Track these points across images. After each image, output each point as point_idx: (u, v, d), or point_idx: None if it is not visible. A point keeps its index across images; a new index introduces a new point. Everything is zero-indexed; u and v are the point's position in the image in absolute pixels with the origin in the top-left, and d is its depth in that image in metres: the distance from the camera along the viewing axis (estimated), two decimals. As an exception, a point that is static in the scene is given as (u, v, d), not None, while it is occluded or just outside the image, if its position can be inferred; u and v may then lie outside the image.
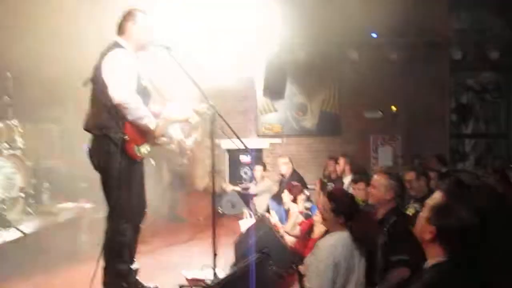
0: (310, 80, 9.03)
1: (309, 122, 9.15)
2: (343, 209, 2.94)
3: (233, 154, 8.56)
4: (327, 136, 9.12)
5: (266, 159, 8.55)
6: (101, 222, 3.28)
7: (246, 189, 7.17)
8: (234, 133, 3.56)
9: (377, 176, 3.34)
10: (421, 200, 3.95)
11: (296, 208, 4.89)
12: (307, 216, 4.81)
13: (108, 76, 3.02)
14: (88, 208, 5.23)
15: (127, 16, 3.21)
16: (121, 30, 3.20)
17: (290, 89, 9.01)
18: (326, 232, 3.11)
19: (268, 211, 5.71)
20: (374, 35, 8.69)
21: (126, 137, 3.03)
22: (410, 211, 3.86)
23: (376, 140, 9.24)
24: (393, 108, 9.22)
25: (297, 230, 4.51)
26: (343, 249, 2.79)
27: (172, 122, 3.65)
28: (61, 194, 6.04)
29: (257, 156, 8.37)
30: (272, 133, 9.01)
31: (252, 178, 7.58)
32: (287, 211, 5.13)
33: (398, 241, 2.93)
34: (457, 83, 9.62)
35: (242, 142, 3.63)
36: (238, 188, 7.20)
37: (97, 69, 3.08)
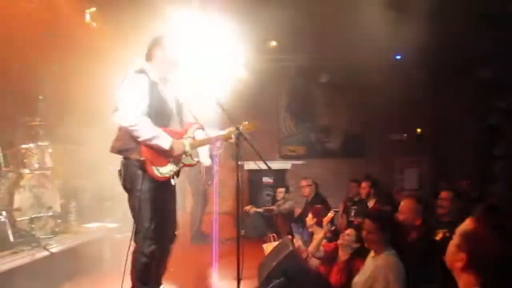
0: (333, 101, 9.03)
1: (333, 143, 9.10)
2: (389, 227, 2.92)
3: (255, 176, 8.54)
4: (350, 158, 9.04)
5: (289, 181, 8.51)
6: (126, 242, 3.30)
7: (269, 211, 7.11)
8: (259, 154, 3.56)
9: (404, 202, 3.32)
10: (449, 225, 3.85)
11: (320, 231, 4.82)
12: (331, 239, 4.74)
13: (118, 100, 3.11)
14: (113, 228, 5.27)
15: (155, 42, 3.32)
16: (148, 56, 3.31)
17: (313, 110, 9.01)
18: (356, 255, 3.08)
19: (291, 234, 5.65)
20: (398, 57, 8.67)
21: (143, 158, 3.07)
22: (438, 236, 3.76)
23: (401, 162, 9.11)
24: (418, 130, 9.11)
25: (321, 252, 4.44)
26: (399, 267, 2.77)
27: (198, 143, 3.68)
28: (87, 214, 6.15)
29: (280, 177, 8.33)
30: (295, 155, 8.99)
31: (275, 200, 7.53)
32: (310, 234, 5.06)
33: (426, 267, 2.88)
34: (485, 104, 9.43)
35: (266, 164, 3.63)
36: (260, 210, 7.15)
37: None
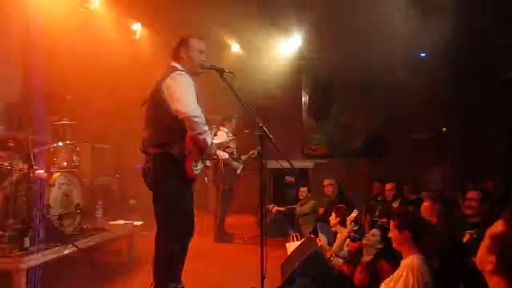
0: (356, 100, 8.96)
1: (355, 142, 9.03)
2: (414, 228, 2.90)
3: (278, 174, 8.56)
4: (373, 158, 8.96)
5: (311, 179, 8.50)
6: (151, 239, 3.36)
7: (292, 210, 7.11)
8: (282, 154, 3.58)
9: (425, 202, 3.31)
10: (477, 226, 3.79)
11: (344, 230, 4.81)
12: (355, 239, 4.72)
13: (173, 94, 3.12)
14: (138, 225, 5.37)
15: (182, 42, 3.38)
16: (176, 56, 3.37)
17: (335, 109, 8.97)
18: (380, 255, 3.06)
19: (314, 233, 5.65)
20: (423, 54, 8.54)
21: (187, 152, 3.14)
22: (465, 237, 3.71)
23: (424, 162, 8.97)
24: (443, 129, 8.95)
25: (344, 252, 4.43)
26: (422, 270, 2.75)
27: (219, 144, 3.75)
28: (112, 211, 6.29)
29: (302, 176, 8.32)
30: (317, 154, 8.96)
31: (297, 199, 7.52)
32: (334, 234, 5.05)
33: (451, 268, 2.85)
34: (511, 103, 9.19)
35: (290, 163, 3.65)
36: (283, 209, 7.16)
37: (157, 91, 3.20)
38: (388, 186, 5.93)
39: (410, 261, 2.85)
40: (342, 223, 4.90)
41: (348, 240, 4.64)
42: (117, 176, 6.93)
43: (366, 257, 3.74)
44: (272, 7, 7.05)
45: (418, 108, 8.43)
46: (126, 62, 7.00)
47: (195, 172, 3.25)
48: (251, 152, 6.64)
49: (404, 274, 2.78)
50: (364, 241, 3.90)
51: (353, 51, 7.95)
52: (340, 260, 4.43)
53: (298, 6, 7.14)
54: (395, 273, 2.90)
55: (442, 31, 6.84)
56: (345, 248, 4.46)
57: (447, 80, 8.45)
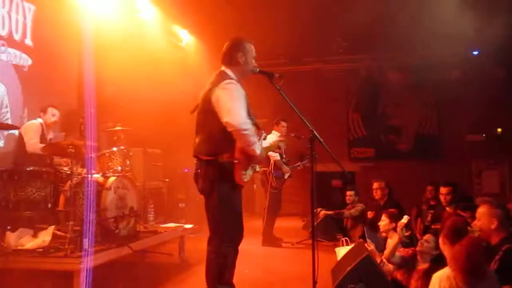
0: (404, 100, 8.73)
1: (404, 145, 8.79)
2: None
3: (324, 178, 8.46)
4: (423, 160, 8.68)
5: (358, 183, 8.34)
6: (202, 242, 3.41)
7: (339, 214, 7.01)
8: (334, 156, 3.54)
9: (480, 208, 3.18)
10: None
11: (395, 235, 4.68)
12: (407, 245, 4.58)
13: (223, 105, 3.12)
14: (188, 228, 5.48)
15: (237, 46, 3.34)
16: (229, 60, 3.33)
17: (383, 111, 8.77)
18: (436, 262, 2.95)
19: (363, 237, 5.54)
20: (476, 53, 8.20)
21: (236, 161, 3.15)
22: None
23: (479, 165, 8.59)
24: (498, 130, 8.54)
25: (397, 258, 4.31)
26: None
27: (266, 151, 3.74)
28: (162, 214, 6.46)
29: (349, 180, 8.18)
30: (364, 157, 8.80)
31: (343, 203, 7.41)
32: (384, 239, 4.93)
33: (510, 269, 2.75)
34: None
35: (341, 166, 3.61)
36: (330, 213, 7.07)
37: (208, 99, 3.20)
38: (444, 190, 5.65)
39: None
40: (393, 228, 4.78)
41: (399, 246, 4.51)
42: (167, 180, 7.10)
43: (422, 264, 3.62)
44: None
45: (471, 108, 8.08)
46: (175, 69, 7.19)
47: (244, 179, 3.25)
48: (296, 164, 6.67)
49: None
50: (418, 248, 3.78)
51: (402, 50, 7.76)
52: (391, 267, 4.31)
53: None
54: None
55: (496, 29, 6.55)
56: (397, 254, 4.34)
57: (501, 79, 8.06)
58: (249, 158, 3.23)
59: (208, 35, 7.80)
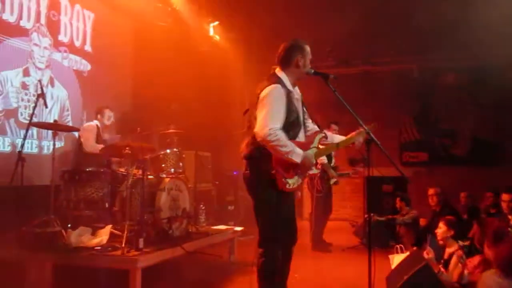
0: (460, 103, 8.36)
1: (459, 149, 8.42)
2: None
3: (375, 182, 8.22)
4: (480, 166, 8.26)
5: (410, 188, 8.05)
6: (251, 244, 3.39)
7: (391, 219, 6.79)
8: (391, 160, 3.43)
9: None
10: None
11: (454, 244, 4.48)
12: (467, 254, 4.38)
13: (259, 111, 3.07)
14: (238, 231, 5.50)
15: (296, 48, 3.26)
16: (287, 62, 3.26)
17: (437, 114, 8.44)
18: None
19: (417, 244, 5.33)
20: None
21: (274, 171, 3.06)
22: None
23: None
24: None
25: (465, 280, 4.09)
26: None
27: (323, 153, 3.65)
28: (212, 216, 6.53)
29: (402, 185, 7.91)
30: (417, 161, 8.50)
31: (394, 208, 7.17)
32: (442, 247, 4.72)
33: None
34: None
35: (400, 170, 3.48)
36: (382, 219, 6.86)
37: (255, 102, 3.16)
38: (506, 197, 5.34)
39: None
40: (453, 236, 4.58)
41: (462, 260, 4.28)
42: (216, 182, 7.19)
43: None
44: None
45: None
46: (220, 72, 7.25)
47: (288, 186, 3.14)
48: (345, 172, 6.54)
49: None
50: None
51: (459, 52, 7.45)
52: (448, 276, 4.11)
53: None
54: None
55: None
56: (466, 273, 4.11)
57: None
58: (289, 167, 3.12)
59: (256, 37, 7.82)
